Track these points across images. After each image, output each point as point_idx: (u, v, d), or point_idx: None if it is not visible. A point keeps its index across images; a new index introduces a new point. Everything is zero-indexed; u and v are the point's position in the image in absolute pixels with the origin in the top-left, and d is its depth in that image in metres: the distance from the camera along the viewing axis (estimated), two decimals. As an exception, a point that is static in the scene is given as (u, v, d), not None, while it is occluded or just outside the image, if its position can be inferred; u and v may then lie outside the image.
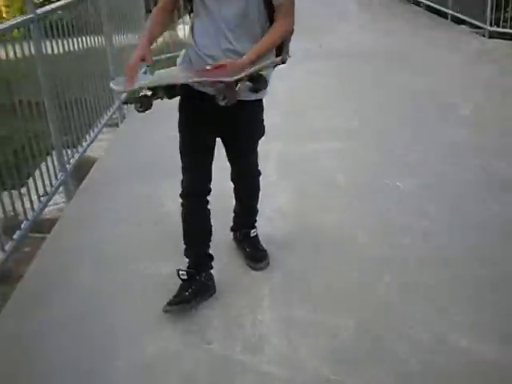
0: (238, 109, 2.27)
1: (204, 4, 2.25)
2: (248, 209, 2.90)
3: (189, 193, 2.52)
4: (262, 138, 2.62)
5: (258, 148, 2.66)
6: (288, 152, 4.12)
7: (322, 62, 6.76)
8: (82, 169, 4.15)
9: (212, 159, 2.52)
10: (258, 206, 2.88)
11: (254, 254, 2.87)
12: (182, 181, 2.51)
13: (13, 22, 3.13)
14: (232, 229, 2.98)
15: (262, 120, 2.58)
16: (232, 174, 2.74)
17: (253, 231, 2.91)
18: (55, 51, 3.81)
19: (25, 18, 3.25)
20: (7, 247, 2.88)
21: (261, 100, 2.50)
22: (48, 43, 3.64)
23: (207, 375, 2.18)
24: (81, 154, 4.09)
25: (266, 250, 2.88)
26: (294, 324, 2.42)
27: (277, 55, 2.37)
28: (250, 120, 2.50)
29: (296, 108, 5.17)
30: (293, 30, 2.32)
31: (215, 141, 2.51)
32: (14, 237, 2.98)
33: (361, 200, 3.42)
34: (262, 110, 2.56)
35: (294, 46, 2.40)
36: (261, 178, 2.79)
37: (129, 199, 3.57)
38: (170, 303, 2.48)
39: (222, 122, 2.42)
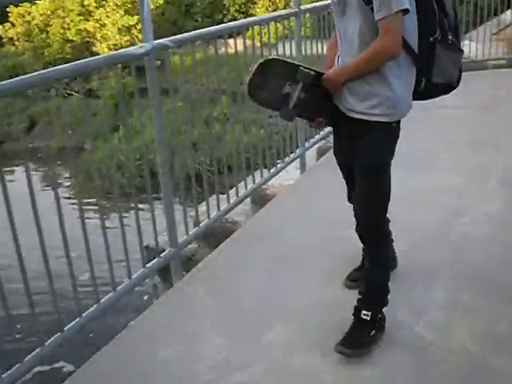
0: (355, 126, 2.35)
1: (338, 28, 2.38)
2: (370, 266, 2.55)
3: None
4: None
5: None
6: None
7: None
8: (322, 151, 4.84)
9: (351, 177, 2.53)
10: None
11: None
12: None
13: (275, 14, 3.85)
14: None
15: (384, 150, 2.38)
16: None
17: (364, 313, 2.47)
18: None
19: (288, 11, 3.95)
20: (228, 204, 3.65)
21: (387, 124, 2.32)
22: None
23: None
24: (318, 140, 4.75)
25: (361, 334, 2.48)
26: (460, 305, 2.71)
27: (418, 77, 2.33)
28: (369, 142, 2.35)
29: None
30: (393, 52, 2.19)
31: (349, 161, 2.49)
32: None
33: None
34: (390, 137, 2.38)
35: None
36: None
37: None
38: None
39: (345, 139, 2.49)
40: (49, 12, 18.22)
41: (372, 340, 2.47)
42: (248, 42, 3.75)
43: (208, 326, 2.68)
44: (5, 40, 19.50)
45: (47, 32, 18.25)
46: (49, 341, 2.41)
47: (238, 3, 21.74)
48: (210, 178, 3.49)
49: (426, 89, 2.38)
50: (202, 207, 3.53)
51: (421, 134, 4.79)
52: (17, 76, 2.28)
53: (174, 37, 3.03)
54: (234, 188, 3.80)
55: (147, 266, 2.92)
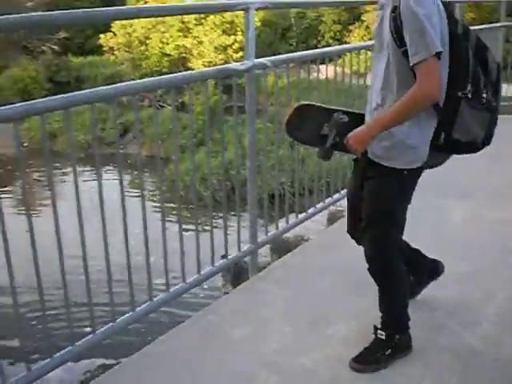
0: (368, 168, 2.40)
1: (373, 64, 2.44)
2: (380, 299, 2.68)
3: None
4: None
5: None
6: None
7: None
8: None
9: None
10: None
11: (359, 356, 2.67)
12: None
13: (368, 43, 4.23)
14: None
15: (392, 195, 2.39)
16: None
17: (380, 333, 2.64)
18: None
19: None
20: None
21: (400, 171, 2.32)
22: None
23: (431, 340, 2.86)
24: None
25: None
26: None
27: (438, 130, 2.30)
28: (377, 186, 2.39)
29: None
30: (432, 97, 2.15)
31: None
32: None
33: None
34: (400, 184, 2.36)
35: None
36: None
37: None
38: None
39: (356, 175, 2.57)
40: (150, 26, 19.38)
41: (388, 358, 2.62)
42: (339, 69, 4.11)
43: (277, 315, 3.07)
44: (105, 49, 20.85)
45: (146, 44, 19.42)
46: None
47: (334, 30, 22.28)
48: (291, 199, 3.84)
49: (446, 144, 2.32)
50: (282, 223, 3.90)
51: (493, 168, 5.05)
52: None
53: (271, 57, 3.46)
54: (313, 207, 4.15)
55: (228, 257, 3.35)
